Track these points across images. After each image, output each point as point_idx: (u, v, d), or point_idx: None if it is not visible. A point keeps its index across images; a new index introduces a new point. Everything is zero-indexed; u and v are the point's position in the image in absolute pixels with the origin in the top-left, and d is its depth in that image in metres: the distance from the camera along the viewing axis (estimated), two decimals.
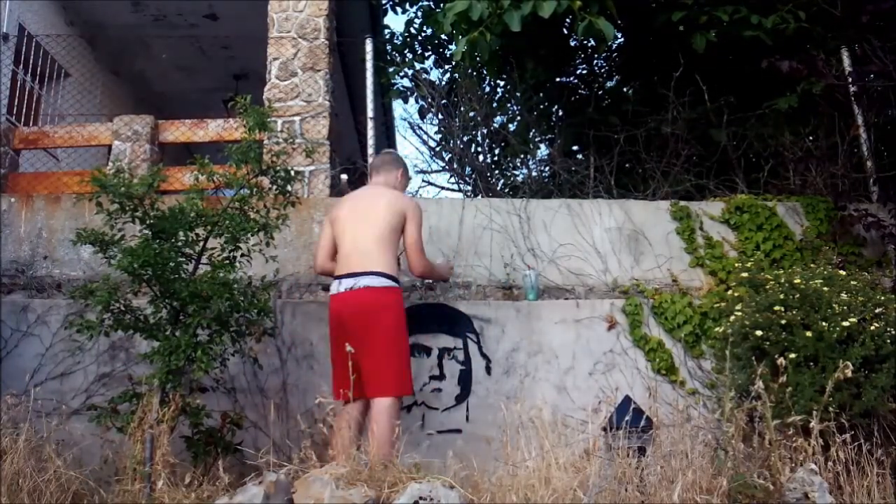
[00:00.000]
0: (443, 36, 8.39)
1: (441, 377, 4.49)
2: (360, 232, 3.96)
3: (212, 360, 3.59)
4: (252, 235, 3.90)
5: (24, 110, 6.87)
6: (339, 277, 3.92)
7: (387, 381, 3.72)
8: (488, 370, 4.54)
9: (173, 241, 3.75)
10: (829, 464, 3.10)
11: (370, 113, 6.04)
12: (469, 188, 6.62)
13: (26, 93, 6.99)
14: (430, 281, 4.54)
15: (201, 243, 3.85)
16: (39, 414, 3.82)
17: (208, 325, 3.66)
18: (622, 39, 7.62)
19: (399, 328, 3.84)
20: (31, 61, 6.94)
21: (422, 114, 7.88)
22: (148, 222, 3.76)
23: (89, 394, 4.30)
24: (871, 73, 5.44)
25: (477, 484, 3.16)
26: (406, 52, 9.09)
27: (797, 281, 3.84)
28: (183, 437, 3.67)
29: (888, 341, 3.50)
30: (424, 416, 4.42)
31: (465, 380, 4.49)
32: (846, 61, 5.74)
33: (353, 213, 4.06)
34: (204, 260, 3.86)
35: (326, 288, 4.46)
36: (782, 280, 3.93)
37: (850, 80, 5.62)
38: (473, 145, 7.12)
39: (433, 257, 4.76)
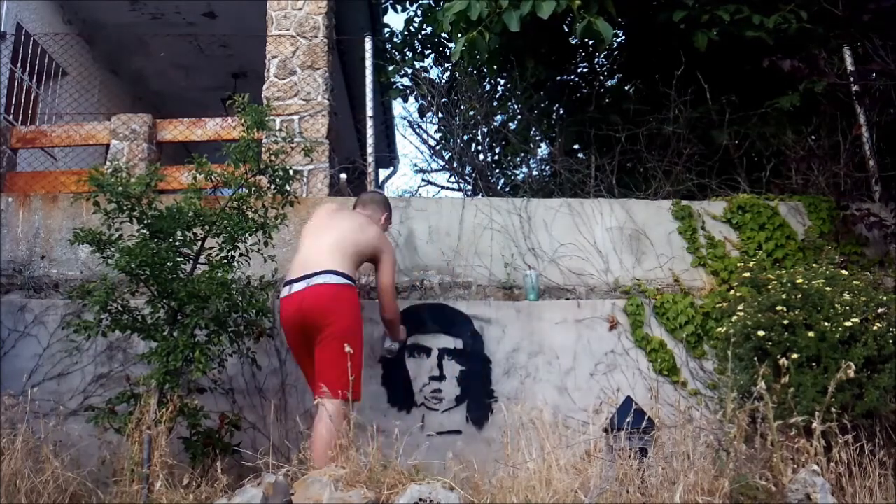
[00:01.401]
0: (442, 34, 8.37)
1: (441, 378, 4.46)
2: (321, 240, 3.90)
3: (210, 361, 3.57)
4: (250, 235, 3.88)
5: (21, 109, 6.84)
6: (290, 282, 3.79)
7: (330, 382, 3.52)
8: (489, 371, 4.51)
9: (171, 240, 3.73)
10: (832, 465, 3.08)
11: (370, 112, 6.02)
12: (469, 187, 6.61)
13: (24, 92, 6.96)
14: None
15: (199, 243, 3.83)
16: (37, 415, 3.80)
17: (206, 326, 3.64)
18: (623, 38, 7.60)
19: (352, 328, 3.69)
20: (28, 60, 6.92)
21: (421, 112, 7.88)
22: (146, 222, 3.74)
23: (87, 394, 4.28)
24: (873, 73, 5.42)
25: (477, 485, 3.15)
26: (406, 50, 9.09)
27: (799, 281, 3.82)
28: (181, 438, 3.66)
29: (890, 341, 3.49)
30: (424, 418, 4.39)
31: (466, 381, 4.46)
32: (848, 60, 5.72)
33: (321, 224, 4.03)
34: (202, 260, 3.84)
35: None
36: (784, 280, 3.92)
37: (852, 79, 5.60)
38: (473, 144, 7.11)
39: (433, 259, 4.77)
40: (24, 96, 6.94)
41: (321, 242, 3.89)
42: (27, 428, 3.50)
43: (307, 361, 3.78)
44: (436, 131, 7.46)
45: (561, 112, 7.87)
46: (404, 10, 9.15)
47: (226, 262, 3.80)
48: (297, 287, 3.74)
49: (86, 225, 3.93)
